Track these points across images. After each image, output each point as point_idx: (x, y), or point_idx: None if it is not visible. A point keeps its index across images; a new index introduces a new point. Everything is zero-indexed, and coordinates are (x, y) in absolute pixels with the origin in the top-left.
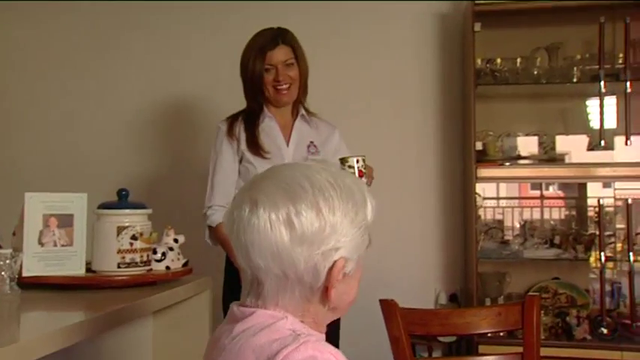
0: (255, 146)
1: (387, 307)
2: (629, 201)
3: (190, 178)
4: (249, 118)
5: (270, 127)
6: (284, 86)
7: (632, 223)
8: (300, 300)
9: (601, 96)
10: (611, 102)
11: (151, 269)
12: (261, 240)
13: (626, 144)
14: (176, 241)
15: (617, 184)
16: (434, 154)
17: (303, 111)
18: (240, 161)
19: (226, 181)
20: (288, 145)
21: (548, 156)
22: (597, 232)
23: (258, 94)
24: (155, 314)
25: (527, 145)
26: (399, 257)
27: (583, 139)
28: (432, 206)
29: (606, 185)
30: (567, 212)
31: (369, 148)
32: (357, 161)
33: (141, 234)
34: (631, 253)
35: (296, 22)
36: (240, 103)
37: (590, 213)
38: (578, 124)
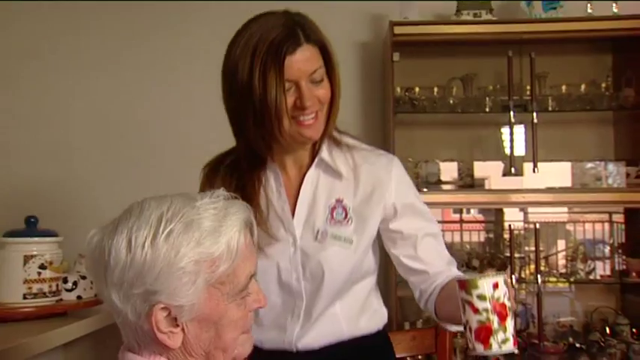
0: None
1: None
2: (537, 225)
3: (105, 203)
4: (239, 168)
5: (270, 187)
6: (310, 117)
7: (543, 247)
8: (152, 344)
9: (511, 125)
10: (520, 131)
11: (61, 299)
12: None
13: (534, 171)
14: None
15: (530, 209)
16: None
17: (324, 149)
18: None
19: None
20: (293, 215)
21: (464, 182)
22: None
23: (268, 131)
24: (65, 346)
25: (447, 171)
26: None
27: (499, 166)
28: None
29: (522, 210)
30: (486, 236)
31: None
32: (495, 287)
33: (50, 263)
34: (539, 275)
35: (217, 46)
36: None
37: (506, 236)
38: (493, 151)
